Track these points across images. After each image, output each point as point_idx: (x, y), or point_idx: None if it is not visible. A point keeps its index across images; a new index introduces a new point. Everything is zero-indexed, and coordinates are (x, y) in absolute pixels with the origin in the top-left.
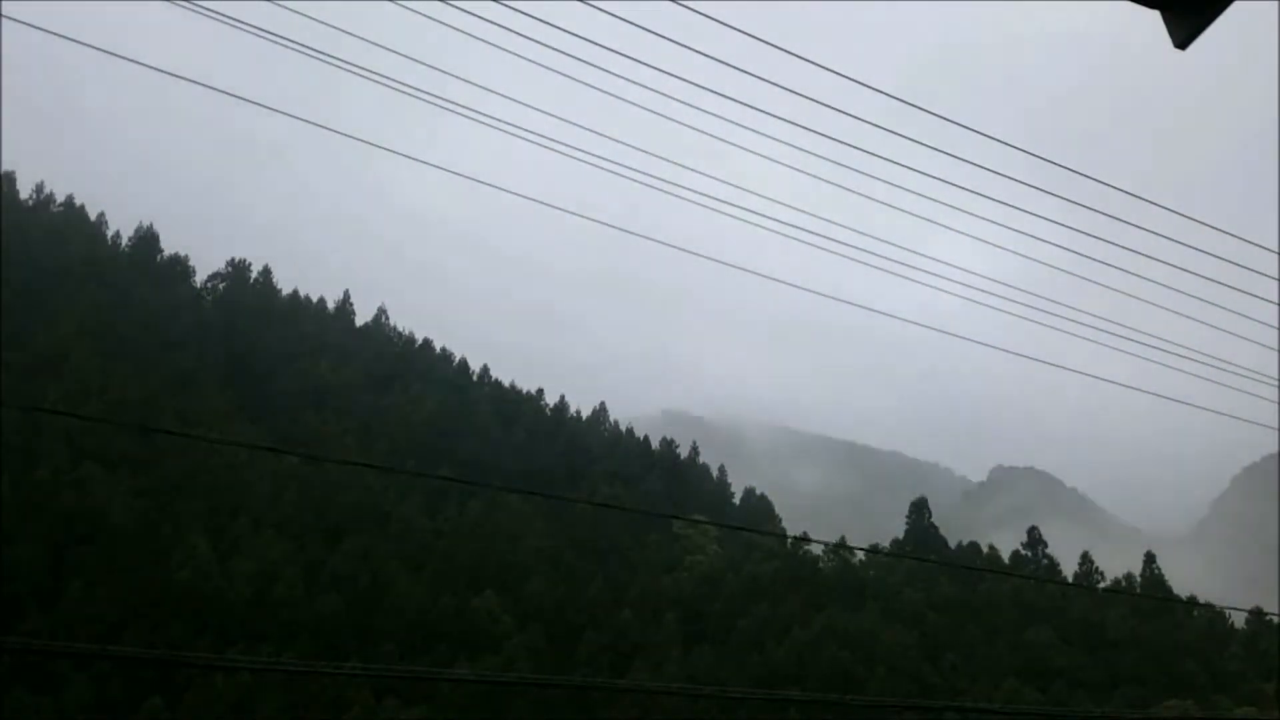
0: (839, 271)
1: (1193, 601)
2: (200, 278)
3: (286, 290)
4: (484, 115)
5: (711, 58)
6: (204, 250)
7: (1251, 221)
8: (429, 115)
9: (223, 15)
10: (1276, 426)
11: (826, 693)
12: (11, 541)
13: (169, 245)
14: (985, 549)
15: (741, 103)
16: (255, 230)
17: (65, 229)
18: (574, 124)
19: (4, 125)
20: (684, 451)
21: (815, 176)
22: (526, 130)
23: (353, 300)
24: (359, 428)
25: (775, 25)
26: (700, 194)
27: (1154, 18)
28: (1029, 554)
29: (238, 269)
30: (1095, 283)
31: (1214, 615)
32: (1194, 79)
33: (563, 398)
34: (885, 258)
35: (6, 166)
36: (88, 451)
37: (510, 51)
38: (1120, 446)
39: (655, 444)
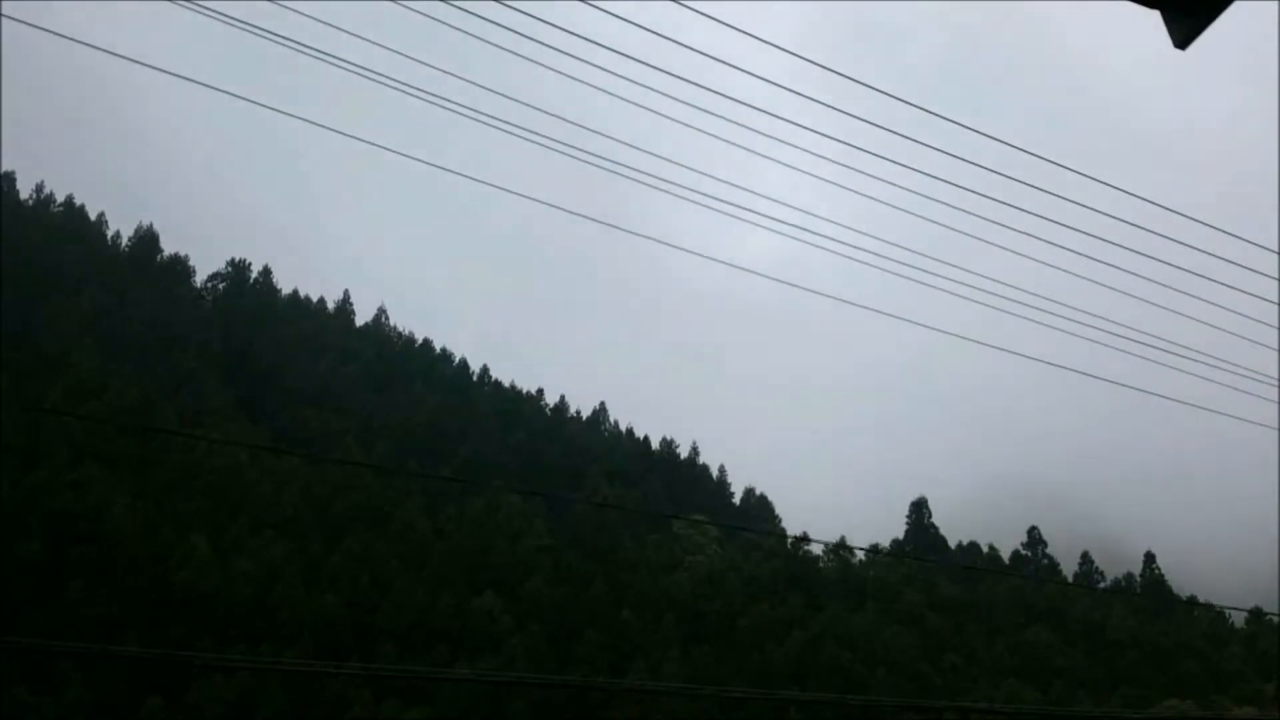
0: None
1: (1193, 601)
2: (200, 278)
3: (286, 290)
4: (484, 116)
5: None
6: (204, 250)
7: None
8: (438, 119)
9: (223, 15)
10: (1276, 426)
11: (826, 693)
12: (11, 541)
13: (169, 245)
14: (985, 549)
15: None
16: (255, 230)
17: (65, 229)
18: (564, 119)
19: (4, 125)
20: (684, 451)
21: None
22: (516, 126)
23: (353, 300)
24: (359, 428)
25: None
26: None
27: (1153, 17)
28: (1029, 554)
29: (238, 269)
30: (1093, 281)
31: (1214, 615)
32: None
33: (563, 398)
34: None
35: (6, 166)
36: (88, 451)
37: (512, 51)
38: (1119, 446)
39: (655, 444)
